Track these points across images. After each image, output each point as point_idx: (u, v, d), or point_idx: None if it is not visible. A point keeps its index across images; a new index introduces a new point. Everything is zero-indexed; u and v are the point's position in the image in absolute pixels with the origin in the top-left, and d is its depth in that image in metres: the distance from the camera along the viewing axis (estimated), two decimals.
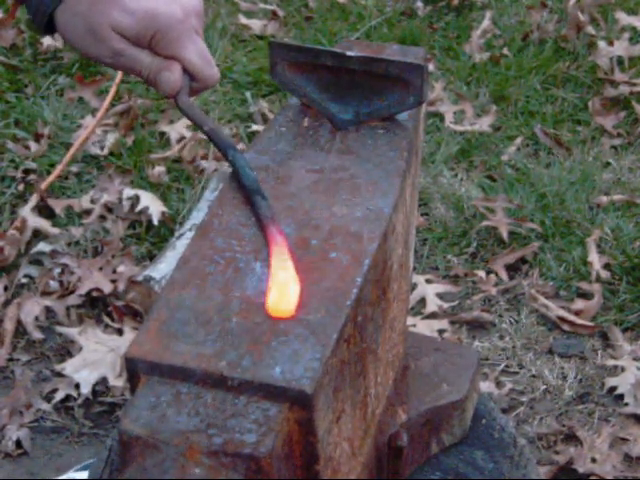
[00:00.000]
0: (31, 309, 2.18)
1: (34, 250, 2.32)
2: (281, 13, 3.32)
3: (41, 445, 1.97)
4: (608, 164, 2.66)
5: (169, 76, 0.99)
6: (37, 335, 2.16)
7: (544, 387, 2.07)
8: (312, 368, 0.75)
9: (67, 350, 2.13)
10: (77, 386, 2.03)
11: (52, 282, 2.25)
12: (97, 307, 2.22)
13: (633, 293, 2.23)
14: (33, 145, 2.63)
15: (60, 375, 2.06)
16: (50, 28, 1.02)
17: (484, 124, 2.78)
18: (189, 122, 2.71)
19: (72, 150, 2.57)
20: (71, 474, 1.84)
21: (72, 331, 2.11)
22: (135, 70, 1.00)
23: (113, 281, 2.22)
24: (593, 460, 1.88)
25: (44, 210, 2.44)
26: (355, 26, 3.23)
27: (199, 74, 1.01)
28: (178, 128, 2.69)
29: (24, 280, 2.27)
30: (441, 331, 2.16)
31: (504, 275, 2.31)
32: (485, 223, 2.40)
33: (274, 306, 0.80)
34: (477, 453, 1.17)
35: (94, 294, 2.22)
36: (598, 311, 2.21)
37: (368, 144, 0.98)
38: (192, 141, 2.63)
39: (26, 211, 2.40)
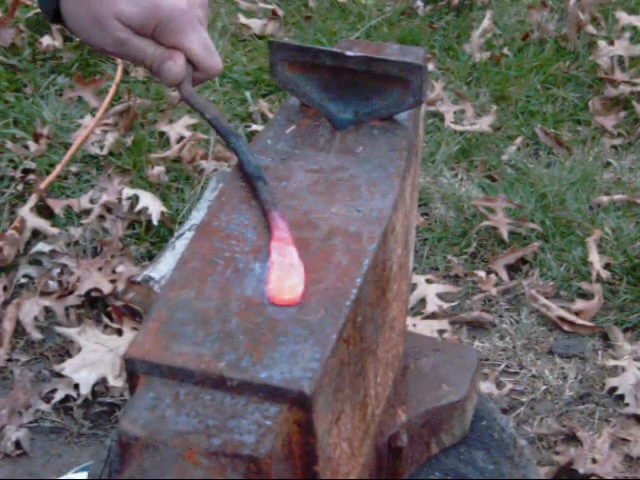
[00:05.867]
0: (30, 309, 2.17)
1: (33, 250, 2.31)
2: (281, 13, 3.32)
3: (40, 445, 1.96)
4: (608, 164, 2.66)
5: (172, 66, 1.00)
6: (36, 335, 2.15)
7: (544, 387, 2.06)
8: (311, 369, 0.74)
9: (66, 350, 2.13)
10: (76, 386, 2.03)
11: (51, 282, 2.24)
12: (96, 307, 2.22)
13: (634, 293, 2.23)
14: (32, 145, 2.63)
15: (59, 375, 2.06)
16: (58, 17, 1.02)
17: (484, 124, 2.78)
18: (188, 122, 2.72)
19: (71, 150, 2.57)
20: (70, 475, 1.84)
21: (71, 331, 2.11)
22: (138, 59, 1.01)
23: (112, 281, 2.21)
24: (593, 461, 1.88)
25: (43, 210, 2.44)
26: (355, 26, 3.23)
27: (202, 64, 1.01)
28: (177, 128, 2.69)
29: (23, 280, 2.27)
30: (441, 331, 2.15)
31: (504, 275, 2.31)
32: (485, 223, 2.40)
33: (277, 293, 0.80)
34: (477, 454, 1.16)
35: (93, 294, 2.21)
36: (598, 311, 2.21)
37: (368, 144, 0.98)
38: (192, 141, 2.63)
39: (25, 211, 2.39)
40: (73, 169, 2.58)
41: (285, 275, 0.81)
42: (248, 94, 2.90)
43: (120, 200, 2.44)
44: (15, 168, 2.57)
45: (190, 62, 1.01)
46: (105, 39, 0.99)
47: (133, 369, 0.77)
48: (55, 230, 2.37)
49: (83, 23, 1.00)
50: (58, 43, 3.03)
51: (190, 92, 1.01)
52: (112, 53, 1.02)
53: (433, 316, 2.20)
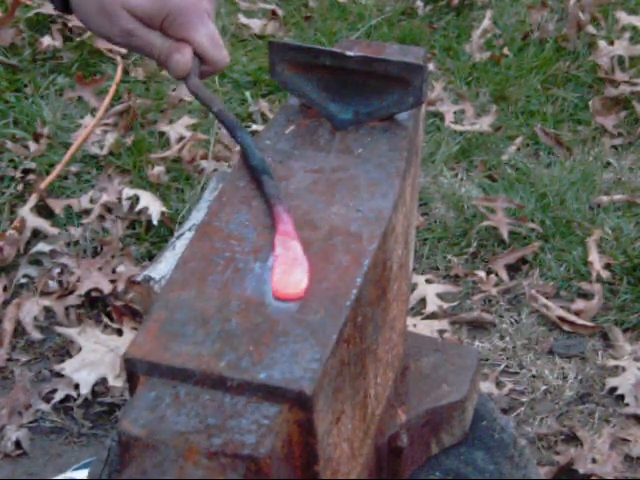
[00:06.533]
0: (30, 309, 2.17)
1: (33, 250, 2.31)
2: (281, 12, 3.32)
3: (40, 445, 1.96)
4: (609, 164, 2.66)
5: (180, 58, 1.00)
6: (36, 335, 2.15)
7: (544, 387, 2.06)
8: (312, 369, 0.74)
9: (66, 350, 2.13)
10: (76, 386, 2.03)
11: (51, 282, 2.24)
12: (96, 307, 2.22)
13: (634, 293, 2.23)
14: (32, 145, 2.63)
15: (59, 375, 2.06)
16: (67, 6, 1.02)
17: (484, 124, 2.78)
18: (188, 122, 2.72)
19: (71, 150, 2.57)
20: (69, 474, 1.84)
21: (71, 331, 2.11)
22: (146, 51, 1.01)
23: (112, 281, 2.21)
24: (594, 461, 1.88)
25: (43, 210, 2.44)
26: (355, 26, 3.23)
27: (209, 57, 1.02)
28: (177, 128, 2.69)
29: (23, 280, 2.27)
30: (441, 331, 2.15)
31: (504, 275, 2.31)
32: (485, 223, 2.40)
33: (282, 287, 0.80)
34: (477, 454, 1.16)
35: (93, 294, 2.21)
36: (599, 311, 2.21)
37: (368, 144, 0.98)
38: (192, 141, 2.63)
39: (25, 211, 2.39)
40: (73, 169, 2.57)
41: (289, 269, 0.81)
42: (248, 94, 2.90)
43: (120, 200, 2.44)
44: (15, 168, 2.56)
45: (197, 55, 1.01)
46: (113, 30, 0.99)
47: (133, 369, 0.77)
48: (55, 230, 2.37)
49: (91, 13, 1.00)
50: (58, 43, 3.03)
51: (197, 85, 1.01)
52: (120, 44, 1.02)
53: (433, 316, 2.20)
